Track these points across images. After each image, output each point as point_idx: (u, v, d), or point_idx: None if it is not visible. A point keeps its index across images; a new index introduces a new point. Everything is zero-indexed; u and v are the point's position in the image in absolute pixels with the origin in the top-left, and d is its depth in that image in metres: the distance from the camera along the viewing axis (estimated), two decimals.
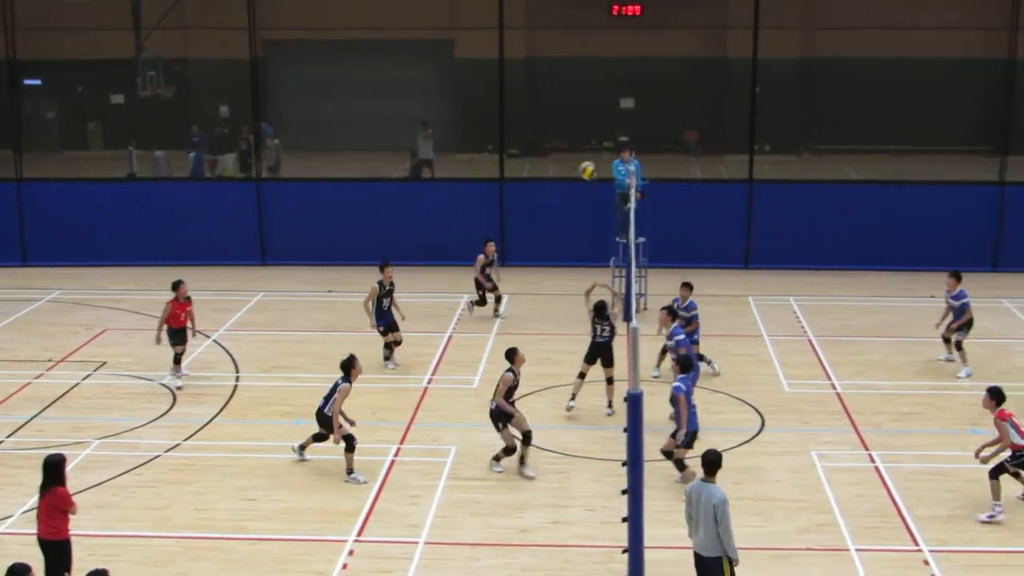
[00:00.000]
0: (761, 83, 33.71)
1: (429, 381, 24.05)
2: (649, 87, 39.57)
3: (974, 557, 16.85)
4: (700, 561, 14.68)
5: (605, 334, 21.90)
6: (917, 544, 17.17)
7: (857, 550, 16.98)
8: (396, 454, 20.29)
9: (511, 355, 19.64)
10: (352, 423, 19.45)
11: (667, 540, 16.96)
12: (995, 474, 17.91)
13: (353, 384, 19.33)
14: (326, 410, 19.21)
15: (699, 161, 39.31)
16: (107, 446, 20.64)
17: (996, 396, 18.07)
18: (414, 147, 36.79)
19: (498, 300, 28.33)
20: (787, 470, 19.71)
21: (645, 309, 28.49)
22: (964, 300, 24.26)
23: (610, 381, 21.96)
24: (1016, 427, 17.80)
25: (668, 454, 19.11)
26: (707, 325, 27.14)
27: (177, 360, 23.66)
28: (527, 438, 19.47)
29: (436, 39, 39.67)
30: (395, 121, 37.98)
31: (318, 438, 19.71)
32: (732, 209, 33.34)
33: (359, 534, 17.45)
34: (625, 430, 15.29)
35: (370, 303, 24.38)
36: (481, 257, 27.67)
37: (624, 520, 15.43)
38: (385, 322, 24.50)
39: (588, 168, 26.96)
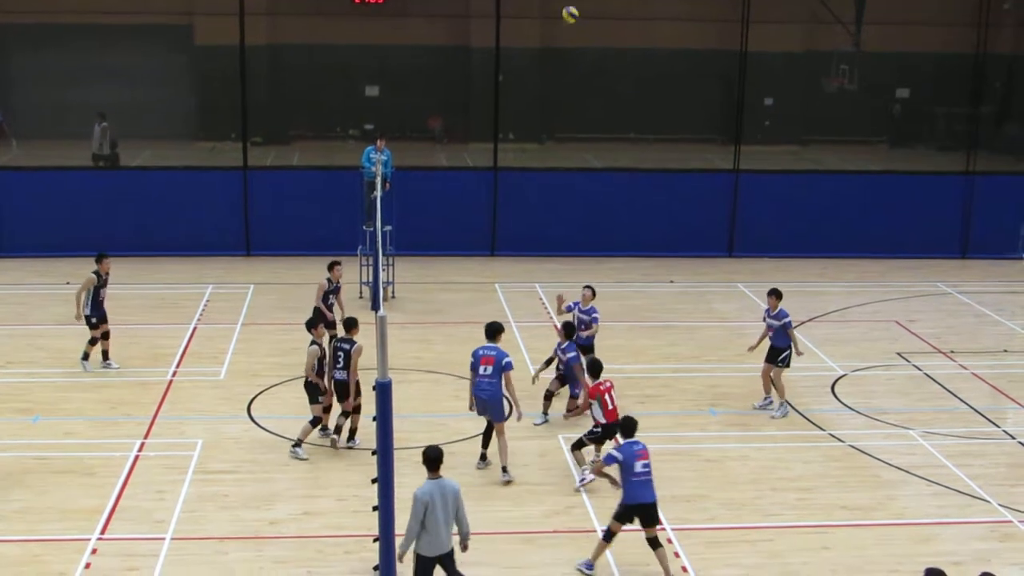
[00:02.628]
0: (504, 72, 34.07)
1: (173, 374, 23.56)
2: (393, 75, 39.55)
3: (713, 534, 17.42)
4: (436, 561, 14.37)
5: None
6: (660, 523, 17.61)
7: (603, 531, 17.29)
8: (140, 449, 19.81)
9: (309, 325, 19.97)
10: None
11: None
12: (577, 447, 18.95)
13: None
14: None
15: (444, 149, 39.48)
16: None
17: (591, 370, 18.90)
18: (96, 139, 35.44)
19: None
20: (535, 454, 19.98)
21: (393, 297, 28.55)
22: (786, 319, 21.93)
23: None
24: (604, 405, 18.58)
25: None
26: (453, 312, 27.40)
27: None
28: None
29: (174, 24, 38.82)
30: (133, 108, 36.98)
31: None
32: (477, 197, 33.61)
33: (103, 532, 16.99)
34: (375, 419, 15.28)
35: (84, 294, 23.23)
36: (323, 283, 23.46)
37: (375, 509, 15.41)
38: (99, 314, 23.32)
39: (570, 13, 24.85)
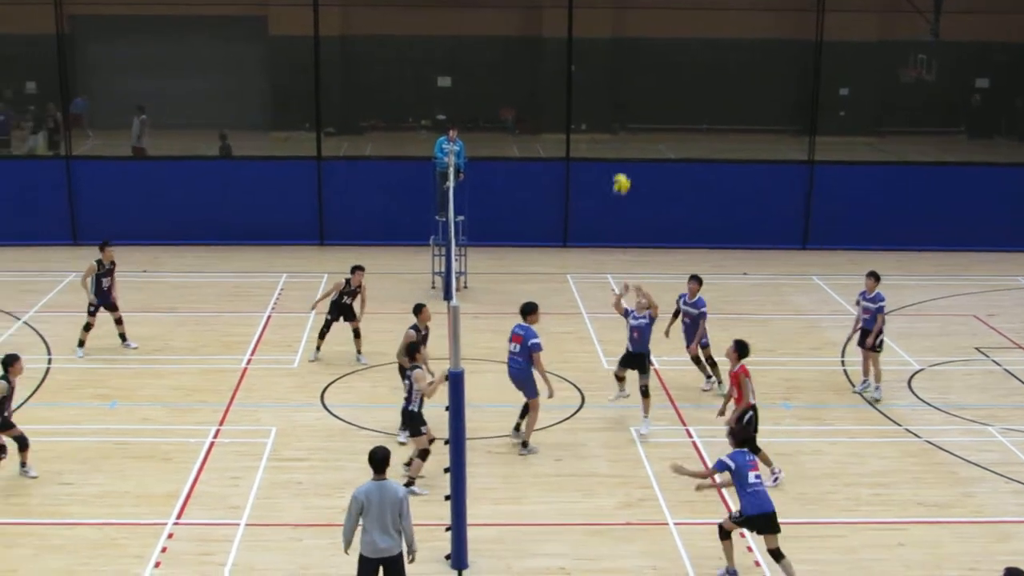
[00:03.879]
0: (576, 62, 33.98)
1: (248, 361, 23.74)
2: (466, 66, 39.69)
3: (785, 529, 17.05)
4: (378, 564, 13.99)
5: None
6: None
7: (675, 524, 17.26)
8: (215, 436, 19.99)
9: (412, 351, 18.32)
10: None
11: (489, 517, 17.04)
12: (756, 448, 18.20)
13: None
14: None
15: (516, 139, 39.52)
16: None
17: (740, 350, 18.63)
18: (136, 130, 35.60)
19: (357, 335, 23.84)
20: (606, 446, 19.94)
21: (465, 287, 28.60)
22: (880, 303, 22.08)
23: None
24: (751, 385, 18.46)
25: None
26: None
27: None
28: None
29: (249, 15, 39.18)
30: (208, 98, 37.37)
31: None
32: (550, 187, 33.54)
33: (179, 517, 17.15)
34: (447, 408, 15.33)
35: (88, 280, 23.71)
36: (340, 283, 23.73)
37: (447, 498, 15.49)
38: (103, 302, 23.91)
39: (621, 182, 24.97)
